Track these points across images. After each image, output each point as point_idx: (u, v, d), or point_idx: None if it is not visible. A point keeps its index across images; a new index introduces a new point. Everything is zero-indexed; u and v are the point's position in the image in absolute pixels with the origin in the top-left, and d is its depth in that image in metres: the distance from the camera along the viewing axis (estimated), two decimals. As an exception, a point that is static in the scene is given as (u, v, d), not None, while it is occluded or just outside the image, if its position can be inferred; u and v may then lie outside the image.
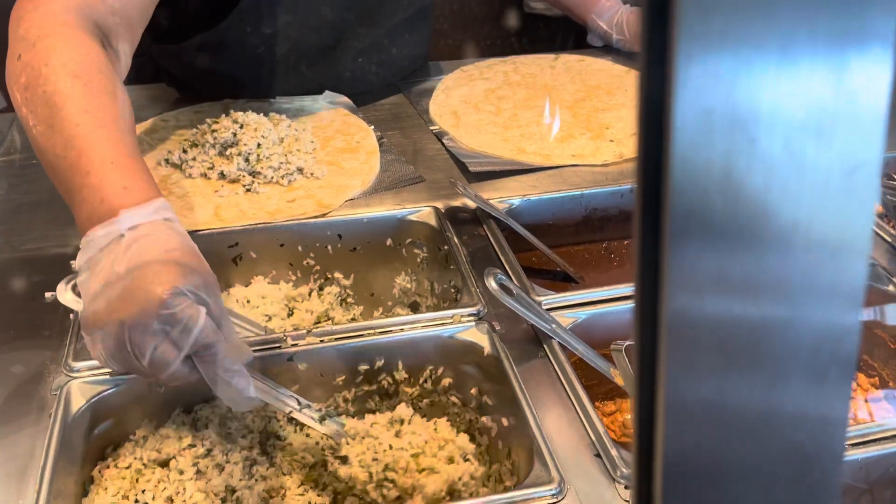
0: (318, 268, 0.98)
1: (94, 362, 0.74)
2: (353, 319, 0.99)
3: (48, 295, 0.84)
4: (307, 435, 0.77)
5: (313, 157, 1.07)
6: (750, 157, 0.18)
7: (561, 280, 1.02)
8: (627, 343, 0.67)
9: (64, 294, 0.74)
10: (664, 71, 0.17)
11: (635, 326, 0.24)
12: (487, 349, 0.78)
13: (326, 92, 1.24)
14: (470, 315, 0.82)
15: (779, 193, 0.19)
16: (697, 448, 0.22)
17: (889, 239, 0.93)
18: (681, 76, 0.17)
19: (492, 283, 0.78)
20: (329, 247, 0.97)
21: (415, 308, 0.99)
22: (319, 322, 0.96)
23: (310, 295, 0.98)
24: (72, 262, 0.72)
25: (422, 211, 0.98)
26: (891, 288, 0.86)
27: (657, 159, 0.19)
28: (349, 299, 1.00)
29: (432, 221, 0.97)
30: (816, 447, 0.23)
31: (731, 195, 0.18)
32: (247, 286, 0.96)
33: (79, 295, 0.71)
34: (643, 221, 0.20)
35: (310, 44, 1.18)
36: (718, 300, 0.20)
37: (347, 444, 0.72)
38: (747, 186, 0.18)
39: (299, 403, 0.72)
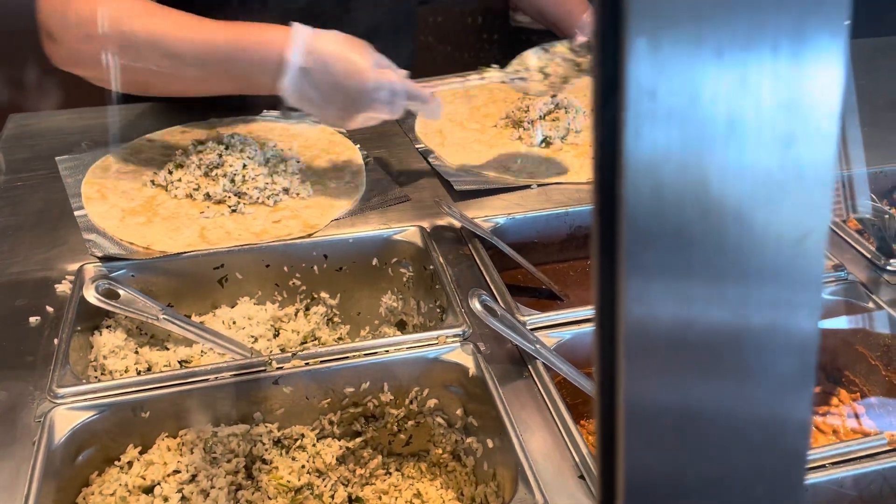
0: (304, 288, 0.98)
1: (80, 388, 0.74)
2: (340, 339, 0.99)
3: (33, 320, 0.84)
4: (293, 458, 0.77)
5: (299, 178, 1.08)
6: (704, 223, 0.18)
7: (546, 298, 1.02)
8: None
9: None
10: (615, 147, 0.18)
11: (595, 341, 0.24)
12: (472, 370, 0.79)
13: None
14: (455, 336, 0.82)
15: (731, 226, 0.20)
16: (659, 457, 0.22)
17: (868, 255, 0.94)
18: (630, 149, 0.18)
19: (476, 305, 0.78)
20: (315, 267, 0.98)
21: (401, 327, 1.00)
22: (306, 342, 0.96)
23: (296, 315, 0.98)
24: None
25: (407, 230, 0.99)
26: (870, 305, 0.87)
27: (612, 188, 0.19)
28: (336, 319, 1.00)
29: (417, 241, 0.98)
30: (779, 452, 0.23)
31: (686, 231, 0.19)
32: (233, 307, 0.96)
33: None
34: (600, 240, 0.21)
35: None
36: (675, 315, 0.20)
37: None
38: (701, 244, 0.19)
39: None
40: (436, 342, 0.81)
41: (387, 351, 0.80)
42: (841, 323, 0.89)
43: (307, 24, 1.14)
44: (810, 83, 0.18)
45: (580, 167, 1.14)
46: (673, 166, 0.18)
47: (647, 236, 0.19)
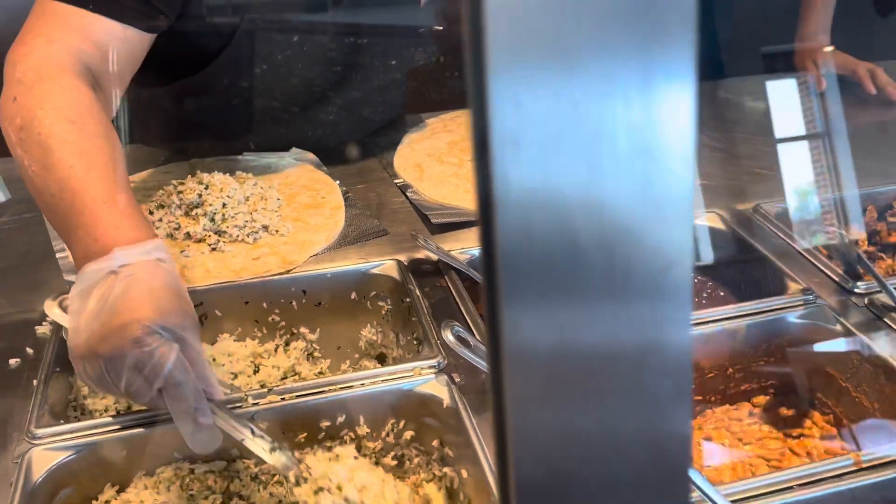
0: (283, 324, 1.00)
1: (57, 428, 0.75)
2: (321, 373, 1.00)
3: (13, 361, 0.85)
4: (270, 494, 0.77)
5: (278, 215, 1.09)
6: (573, 258, 0.20)
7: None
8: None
9: (52, 309, 0.81)
10: (488, 191, 0.20)
11: (488, 366, 0.26)
12: (447, 402, 0.80)
13: (293, 149, 1.27)
14: (430, 367, 0.83)
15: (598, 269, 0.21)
16: (547, 472, 0.24)
17: (836, 279, 0.96)
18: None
19: (448, 336, 0.80)
20: (294, 302, 0.99)
21: (381, 360, 1.01)
22: (286, 378, 0.97)
23: (276, 351, 1.00)
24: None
25: (385, 264, 1.00)
26: (838, 327, 0.88)
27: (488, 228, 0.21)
28: (316, 353, 1.01)
29: (395, 274, 0.99)
30: (662, 467, 0.25)
31: (556, 265, 0.21)
32: (213, 344, 0.97)
33: (65, 311, 0.77)
34: (485, 275, 0.22)
35: (285, 101, 1.21)
36: (551, 341, 0.22)
37: (297, 482, 0.72)
38: (571, 276, 0.21)
39: (253, 433, 0.72)
40: (411, 374, 0.82)
41: (362, 384, 0.81)
42: (811, 346, 0.90)
43: (298, 72, 1.16)
44: (662, 130, 0.20)
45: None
46: (540, 207, 0.20)
47: (519, 270, 0.21)
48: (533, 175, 0.19)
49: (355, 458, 0.76)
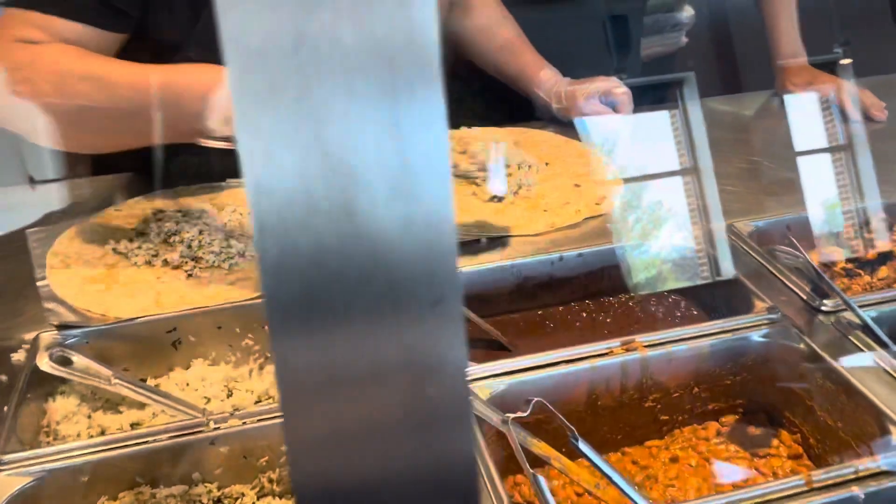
0: (257, 348, 1.01)
1: (21, 454, 0.77)
2: (296, 396, 1.02)
3: (-14, 389, 0.87)
4: (231, 517, 0.79)
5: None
6: (343, 301, 0.21)
7: (496, 349, 1.04)
8: (514, 415, 0.69)
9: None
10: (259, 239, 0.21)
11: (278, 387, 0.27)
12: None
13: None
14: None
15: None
16: (326, 475, 0.25)
17: (804, 297, 0.96)
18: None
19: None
20: (267, 327, 1.00)
21: (355, 382, 1.02)
22: (260, 401, 0.99)
23: (250, 375, 1.01)
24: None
25: (355, 288, 1.02)
26: (802, 346, 0.88)
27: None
28: (290, 377, 1.03)
29: (365, 298, 1.01)
30: (449, 483, 0.25)
31: (324, 310, 0.22)
32: (187, 369, 0.99)
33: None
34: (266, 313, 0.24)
35: None
36: (324, 364, 0.23)
37: None
38: (340, 323, 0.22)
39: None
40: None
41: (323, 408, 0.83)
42: (776, 365, 0.90)
43: None
44: (418, 175, 0.21)
45: (529, 220, 1.17)
46: (301, 255, 0.21)
47: (288, 310, 0.22)
48: (291, 221, 0.21)
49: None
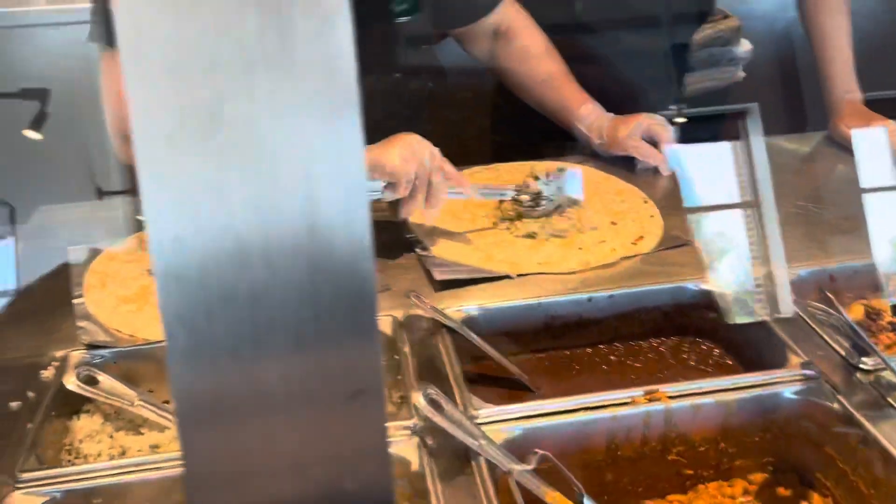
0: (280, 376, 1.02)
1: (38, 473, 0.78)
2: (317, 426, 1.02)
3: (14, 404, 0.90)
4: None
5: (284, 268, 1.12)
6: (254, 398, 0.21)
7: (520, 389, 1.02)
8: (519, 467, 0.67)
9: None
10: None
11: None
12: (414, 465, 0.79)
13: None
14: (404, 429, 0.83)
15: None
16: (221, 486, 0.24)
17: (842, 353, 0.91)
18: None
19: (419, 399, 0.80)
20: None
21: (376, 415, 1.01)
22: (280, 429, 0.99)
23: (272, 402, 1.02)
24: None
25: (379, 320, 1.01)
26: (836, 406, 0.84)
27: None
28: (312, 406, 1.03)
29: (388, 330, 1.00)
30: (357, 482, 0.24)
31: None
32: (210, 394, 1.00)
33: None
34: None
35: None
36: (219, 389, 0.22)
37: None
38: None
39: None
40: (385, 435, 0.82)
41: (336, 443, 0.82)
42: (808, 424, 0.86)
43: None
44: (333, 267, 0.20)
45: (562, 257, 1.15)
46: (217, 346, 0.20)
47: (197, 393, 0.21)
48: (202, 310, 0.20)
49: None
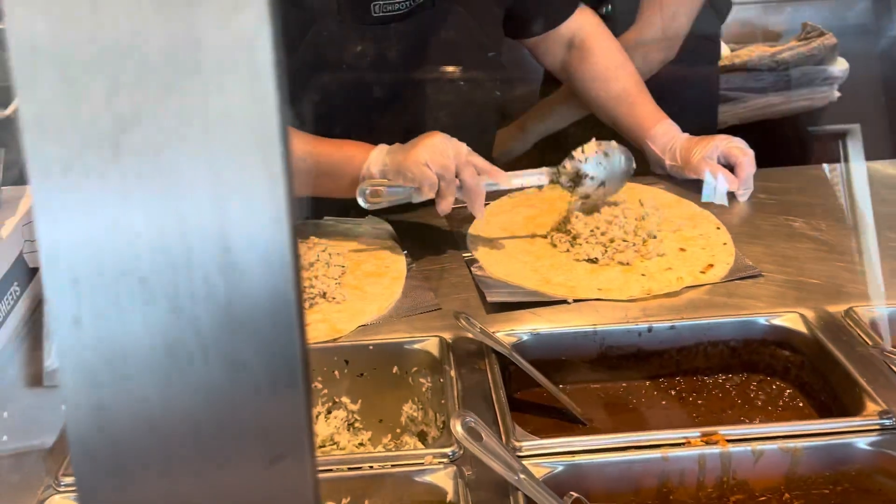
0: (325, 391, 1.00)
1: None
2: (361, 444, 1.00)
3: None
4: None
5: (337, 282, 1.11)
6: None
7: (570, 421, 0.98)
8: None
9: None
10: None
11: None
12: (450, 496, 0.76)
13: (370, 216, 1.29)
14: (442, 457, 0.80)
15: None
16: None
17: (927, 403, 0.83)
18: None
19: (457, 427, 0.77)
20: (336, 372, 1.00)
21: (422, 438, 0.99)
22: (324, 446, 0.98)
23: (317, 418, 1.00)
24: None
25: (426, 340, 0.99)
26: (916, 462, 0.76)
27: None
28: (357, 424, 1.01)
29: (435, 351, 0.97)
30: None
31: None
32: (256, 406, 1.00)
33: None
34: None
35: None
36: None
37: None
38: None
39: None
40: (421, 462, 0.80)
41: (371, 467, 0.80)
42: (884, 478, 0.78)
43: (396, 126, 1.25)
44: (249, 321, 0.17)
45: (622, 284, 1.10)
46: (117, 410, 0.18)
47: (97, 459, 0.19)
48: (105, 378, 0.18)
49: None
